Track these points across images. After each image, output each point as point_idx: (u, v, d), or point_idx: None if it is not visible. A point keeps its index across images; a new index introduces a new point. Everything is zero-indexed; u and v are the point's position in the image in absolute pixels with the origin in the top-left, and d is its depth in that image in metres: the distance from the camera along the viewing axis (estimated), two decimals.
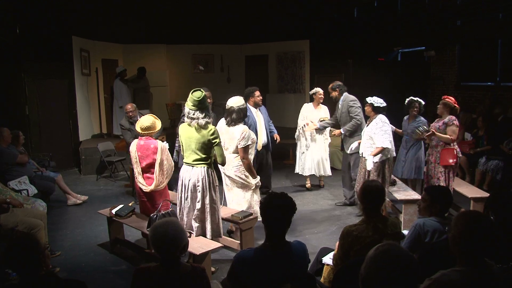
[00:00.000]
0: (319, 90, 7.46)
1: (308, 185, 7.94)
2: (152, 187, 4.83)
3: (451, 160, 5.76)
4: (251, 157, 5.27)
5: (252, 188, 5.25)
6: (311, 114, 7.42)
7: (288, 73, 12.44)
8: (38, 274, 2.54)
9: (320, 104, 7.51)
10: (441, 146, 5.84)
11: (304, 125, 7.31)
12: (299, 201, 6.91)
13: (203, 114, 4.39)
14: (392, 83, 9.96)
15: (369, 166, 5.72)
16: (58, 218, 6.52)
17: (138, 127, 4.91)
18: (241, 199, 5.28)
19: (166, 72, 12.46)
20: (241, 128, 5.11)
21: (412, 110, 6.47)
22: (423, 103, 6.46)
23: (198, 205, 4.52)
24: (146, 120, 4.89)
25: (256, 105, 6.68)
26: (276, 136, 7.11)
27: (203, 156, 4.47)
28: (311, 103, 7.59)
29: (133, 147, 4.93)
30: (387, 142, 5.63)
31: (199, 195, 4.50)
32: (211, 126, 4.45)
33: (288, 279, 2.66)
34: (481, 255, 2.22)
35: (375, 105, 5.76)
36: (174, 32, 12.15)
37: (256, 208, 5.17)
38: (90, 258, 5.19)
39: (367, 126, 5.90)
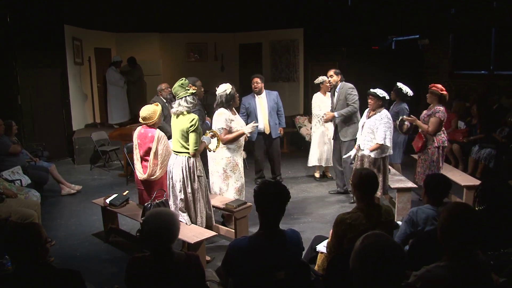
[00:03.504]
0: (326, 78, 7.40)
1: (317, 174, 7.90)
2: (145, 176, 4.85)
3: (419, 145, 5.82)
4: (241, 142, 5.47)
5: (228, 172, 5.35)
6: (324, 103, 7.37)
7: (282, 62, 12.40)
8: (35, 264, 2.55)
9: (326, 92, 7.49)
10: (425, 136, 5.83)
11: (324, 115, 7.25)
12: (293, 190, 6.94)
13: (177, 103, 4.53)
14: (386, 72, 9.95)
15: (352, 153, 5.82)
16: (52, 208, 6.51)
17: (140, 117, 4.98)
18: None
19: (159, 61, 12.38)
20: (217, 111, 5.35)
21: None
22: (402, 89, 6.42)
23: (181, 195, 4.56)
24: (145, 110, 4.92)
25: (253, 91, 6.95)
26: (280, 130, 7.15)
27: (185, 144, 4.51)
28: (319, 92, 7.55)
29: (135, 133, 5.00)
30: (388, 139, 5.49)
31: (179, 184, 4.54)
32: (193, 115, 4.50)
33: (283, 267, 2.67)
34: (466, 248, 2.20)
35: (381, 96, 5.54)
36: (167, 21, 12.04)
37: (228, 193, 5.39)
38: (84, 248, 5.19)
39: (368, 118, 5.68)
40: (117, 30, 11.87)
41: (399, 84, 6.52)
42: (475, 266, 2.20)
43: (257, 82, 6.92)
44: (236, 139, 5.33)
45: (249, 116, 6.86)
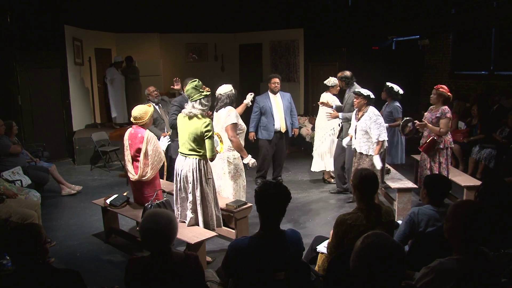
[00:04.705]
0: (337, 82, 7.21)
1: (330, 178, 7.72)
2: (136, 176, 4.85)
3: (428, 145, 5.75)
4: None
5: (239, 171, 5.34)
6: (336, 103, 7.26)
7: (282, 62, 12.40)
8: (35, 264, 2.55)
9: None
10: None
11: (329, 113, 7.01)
12: (294, 190, 6.94)
13: (190, 105, 4.47)
14: (386, 72, 9.95)
15: (378, 165, 5.56)
16: (52, 209, 6.51)
17: (131, 117, 4.94)
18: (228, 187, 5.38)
19: (159, 61, 12.39)
20: (226, 109, 5.23)
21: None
22: (393, 88, 6.41)
23: (190, 197, 4.54)
24: (137, 109, 4.91)
25: (272, 91, 7.02)
26: (295, 131, 7.21)
27: (196, 147, 4.46)
28: (328, 93, 7.30)
29: (126, 135, 4.98)
30: (384, 134, 5.56)
31: (190, 186, 4.51)
32: (206, 119, 4.44)
33: (283, 267, 2.67)
34: (479, 244, 2.26)
35: (372, 96, 5.63)
36: (167, 21, 12.05)
37: (239, 193, 5.35)
38: (84, 248, 5.19)
39: (358, 120, 5.74)
40: (117, 31, 11.87)
41: (389, 84, 6.51)
42: (486, 262, 2.24)
43: (278, 82, 7.01)
44: (240, 150, 5.25)
45: (264, 115, 6.91)
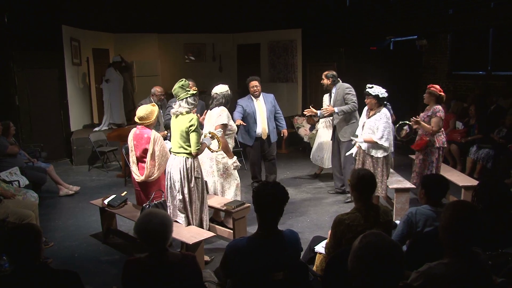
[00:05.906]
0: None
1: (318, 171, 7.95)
2: (142, 177, 4.83)
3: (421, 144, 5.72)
4: (230, 146, 5.41)
5: (230, 170, 5.35)
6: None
7: (280, 62, 12.40)
8: (32, 265, 2.54)
9: None
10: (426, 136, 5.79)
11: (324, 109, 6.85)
12: (291, 190, 6.94)
13: (177, 104, 4.55)
14: (384, 72, 9.96)
15: (353, 150, 5.65)
16: (50, 209, 6.50)
17: (136, 117, 4.92)
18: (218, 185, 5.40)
19: (157, 62, 12.37)
20: (219, 108, 5.31)
21: None
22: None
23: (179, 195, 4.55)
24: (142, 109, 4.87)
25: (253, 96, 6.73)
26: (283, 132, 7.00)
27: (183, 144, 4.50)
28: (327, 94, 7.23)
29: (130, 135, 4.95)
30: (384, 139, 5.41)
31: (177, 185, 4.53)
32: (191, 115, 4.50)
33: (281, 267, 2.67)
34: (468, 245, 2.23)
35: (381, 96, 5.48)
36: (165, 21, 12.04)
37: (230, 191, 5.38)
38: (82, 249, 5.18)
39: (368, 118, 5.64)
40: (115, 31, 11.86)
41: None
42: (476, 264, 2.22)
43: (257, 85, 6.68)
44: (227, 151, 5.25)
45: (247, 118, 6.61)
